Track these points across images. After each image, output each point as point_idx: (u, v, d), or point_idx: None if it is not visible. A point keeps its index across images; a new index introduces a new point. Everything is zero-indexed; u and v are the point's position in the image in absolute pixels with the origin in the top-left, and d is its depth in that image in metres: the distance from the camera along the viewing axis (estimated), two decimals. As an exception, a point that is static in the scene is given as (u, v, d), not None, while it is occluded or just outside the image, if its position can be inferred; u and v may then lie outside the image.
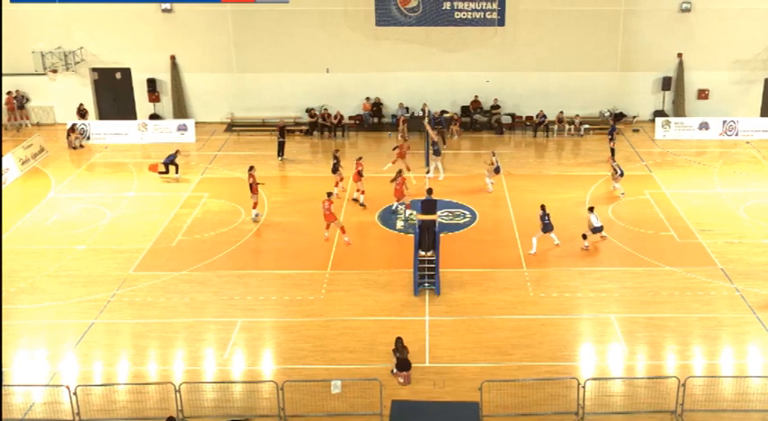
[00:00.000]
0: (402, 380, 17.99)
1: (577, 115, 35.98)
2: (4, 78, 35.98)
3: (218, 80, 37.02)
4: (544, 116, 35.81)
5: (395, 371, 18.15)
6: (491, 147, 34.07)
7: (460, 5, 35.15)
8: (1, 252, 23.09)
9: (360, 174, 27.83)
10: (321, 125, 36.09)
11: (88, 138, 35.44)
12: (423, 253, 22.04)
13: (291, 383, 17.24)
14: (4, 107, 36.51)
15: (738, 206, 27.32)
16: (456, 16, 35.35)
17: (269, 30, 36.22)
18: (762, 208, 27.15)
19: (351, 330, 20.14)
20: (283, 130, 32.89)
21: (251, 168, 26.95)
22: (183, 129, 35.06)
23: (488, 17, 35.27)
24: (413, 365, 18.15)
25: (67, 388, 16.98)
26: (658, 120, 35.36)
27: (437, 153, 30.11)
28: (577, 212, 26.69)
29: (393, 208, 27.15)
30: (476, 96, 36.90)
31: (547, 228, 23.90)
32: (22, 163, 31.82)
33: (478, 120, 36.79)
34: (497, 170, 29.26)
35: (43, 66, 35.59)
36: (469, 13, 35.31)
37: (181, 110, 37.40)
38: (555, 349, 19.26)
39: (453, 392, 17.68)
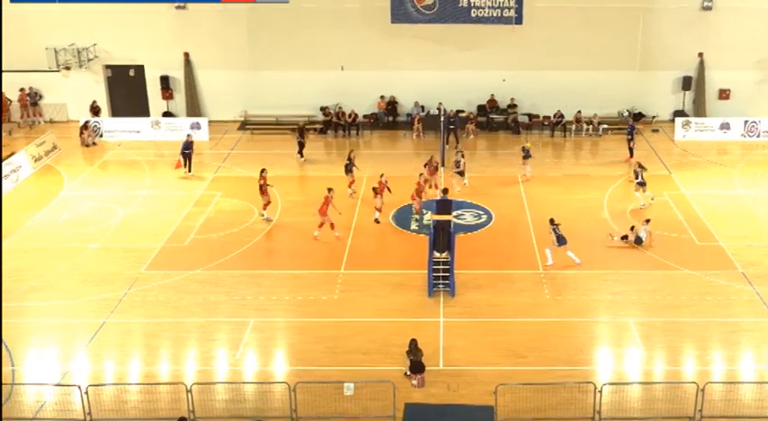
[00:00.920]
0: (416, 383, 17.98)
1: (595, 115, 35.83)
2: (17, 75, 36.26)
3: (232, 78, 37.11)
4: (562, 116, 35.68)
5: (408, 373, 18.15)
6: (507, 148, 34.13)
7: (477, 3, 35.05)
8: (1, 252, 23.18)
9: (377, 190, 26.66)
10: (335, 123, 36.13)
11: (101, 135, 35.63)
12: (437, 254, 22.02)
13: (304, 384, 17.27)
14: (16, 104, 36.72)
15: (760, 208, 27.13)
16: (473, 14, 35.26)
17: (283, 27, 36.27)
18: (784, 210, 27.00)
19: (364, 331, 20.15)
20: (303, 131, 33.01)
21: (263, 171, 27.02)
22: (196, 127, 35.15)
23: (505, 15, 35.16)
24: (427, 368, 18.12)
25: (79, 387, 17.08)
26: (678, 120, 35.16)
27: (461, 173, 29.18)
28: (595, 214, 26.64)
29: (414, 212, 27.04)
30: (492, 95, 36.82)
31: (560, 240, 23.43)
32: (35, 160, 32.04)
33: (495, 119, 36.70)
34: (527, 156, 29.61)
35: (56, 62, 35.77)
36: (486, 11, 35.22)
37: (194, 107, 37.53)
38: (571, 353, 19.19)
39: (467, 395, 17.65)
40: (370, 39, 36.21)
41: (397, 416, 16.71)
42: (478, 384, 17.95)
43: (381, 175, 27.00)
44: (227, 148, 34.42)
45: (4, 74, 36.12)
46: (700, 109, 36.58)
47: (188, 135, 32.13)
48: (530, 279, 22.69)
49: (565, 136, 35.67)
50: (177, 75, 37.37)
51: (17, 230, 26.26)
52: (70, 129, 36.40)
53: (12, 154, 31.49)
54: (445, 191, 25.08)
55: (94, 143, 35.05)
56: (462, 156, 29.40)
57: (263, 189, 26.60)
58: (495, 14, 35.21)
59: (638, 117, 36.19)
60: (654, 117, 36.78)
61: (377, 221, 26.27)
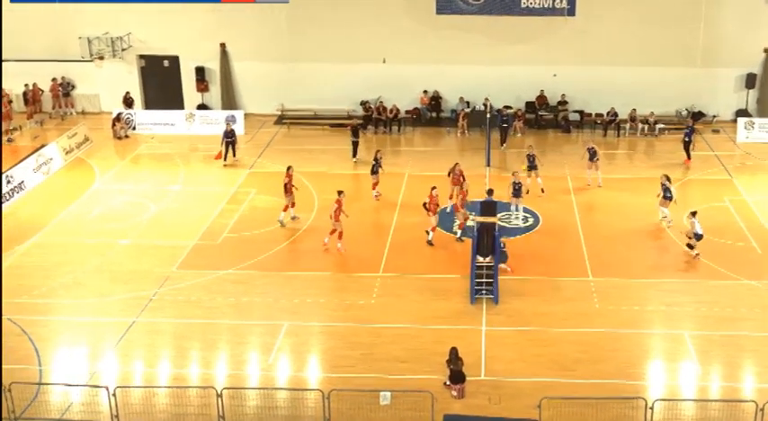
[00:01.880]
0: (455, 394, 17.93)
1: (652, 113, 35.37)
2: (50, 64, 36.94)
3: (270, 70, 37.31)
4: (615, 114, 35.29)
5: (448, 383, 18.10)
6: (557, 147, 33.85)
7: (528, -7, 34.92)
8: (0, 253, 23.80)
9: (428, 207, 25.11)
10: (376, 119, 36.16)
11: (134, 128, 36.11)
12: (481, 258, 21.92)
13: (338, 392, 17.29)
14: (48, 94, 37.35)
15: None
16: (522, 5, 35.02)
17: (323, 17, 36.40)
18: None
19: (402, 338, 20.13)
20: (357, 130, 32.69)
21: (289, 168, 26.78)
22: (231, 120, 35.40)
23: (557, 6, 34.88)
24: (467, 378, 18.06)
25: (106, 388, 17.31)
26: (741, 120, 34.57)
27: (517, 194, 26.93)
28: (649, 219, 26.26)
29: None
30: (541, 91, 36.56)
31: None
32: (66, 152, 32.58)
33: (544, 116, 36.44)
34: (593, 157, 28.96)
35: (90, 52, 36.29)
36: (537, 2, 34.96)
37: (230, 100, 37.85)
38: (621, 366, 18.98)
39: (510, 408, 17.54)
40: (414, 30, 36.15)
41: (436, 428, 16.71)
42: (522, 397, 17.83)
43: (433, 189, 25.11)
44: (263, 143, 34.66)
45: (36, 63, 36.96)
46: (764, 108, 35.91)
47: (227, 123, 32.52)
48: (578, 287, 22.48)
49: (618, 135, 35.28)
50: (213, 66, 37.71)
51: (47, 225, 26.72)
52: (102, 120, 36.95)
53: (43, 146, 32.09)
54: (490, 192, 24.94)
55: (127, 136, 35.54)
56: (532, 149, 29.13)
57: (287, 188, 26.25)
58: (546, 5, 34.95)
59: (697, 116, 35.65)
60: (714, 117, 36.21)
61: (430, 243, 24.95)
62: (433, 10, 35.43)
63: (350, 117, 36.47)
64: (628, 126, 35.36)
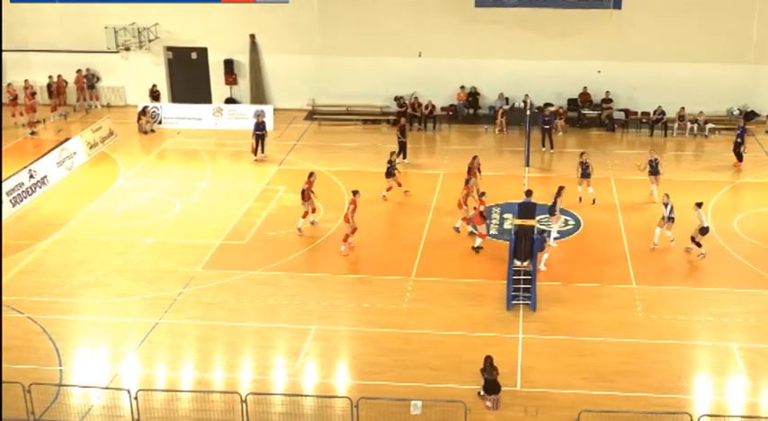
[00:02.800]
0: (490, 405, 17.87)
1: (701, 112, 34.98)
2: (74, 56, 37.40)
3: (301, 63, 37.42)
4: (663, 112, 34.95)
5: (482, 393, 18.04)
6: (600, 147, 33.56)
7: (571, -16, 34.70)
8: (0, 254, 24.08)
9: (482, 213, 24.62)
10: (411, 115, 36.13)
11: (160, 122, 36.44)
12: (518, 263, 21.83)
13: (367, 400, 17.29)
14: (72, 86, 37.78)
15: None
16: (566, -3, 34.90)
17: (357, 9, 36.47)
18: None
19: (434, 345, 20.10)
20: (404, 129, 32.02)
21: (311, 175, 26.18)
22: (261, 113, 35.51)
23: (603, -2, 34.70)
24: (502, 388, 17.98)
25: (128, 391, 17.47)
26: (797, 120, 34.19)
27: (552, 212, 25.47)
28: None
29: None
30: (585, 88, 36.31)
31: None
32: (90, 147, 32.97)
33: (587, 115, 36.19)
34: (654, 171, 28.02)
35: (116, 43, 36.65)
36: (581, -7, 34.81)
37: (259, 94, 38.02)
38: (665, 379, 18.79)
39: (547, 421, 17.49)
40: (452, 23, 36.07)
41: (469, 440, 16.67)
42: (559, 409, 17.73)
43: (482, 195, 24.72)
44: (293, 139, 34.79)
45: (61, 54, 37.42)
46: (822, 108, 35.48)
47: (258, 116, 32.69)
48: (621, 294, 22.30)
49: (665, 135, 34.95)
50: (242, 58, 37.92)
51: (70, 221, 27.06)
52: (128, 114, 37.33)
53: (67, 139, 32.48)
54: (528, 193, 24.81)
55: (152, 130, 35.88)
56: (587, 156, 28.29)
57: (305, 194, 25.82)
58: (590, -3, 34.76)
59: (749, 116, 35.20)
60: (768, 117, 35.83)
61: (479, 249, 24.56)
62: (471, 2, 35.25)
63: (383, 113, 36.51)
64: (676, 126, 34.99)
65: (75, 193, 29.39)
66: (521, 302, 21.66)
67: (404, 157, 31.69)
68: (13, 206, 27.57)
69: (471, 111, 37.06)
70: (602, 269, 23.70)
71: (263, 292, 22.61)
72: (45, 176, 29.61)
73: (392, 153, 29.17)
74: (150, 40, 37.37)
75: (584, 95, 36.35)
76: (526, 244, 21.90)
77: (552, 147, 32.78)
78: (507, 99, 36.41)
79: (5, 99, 35.83)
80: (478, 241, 24.75)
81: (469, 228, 25.42)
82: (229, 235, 25.99)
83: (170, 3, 36.93)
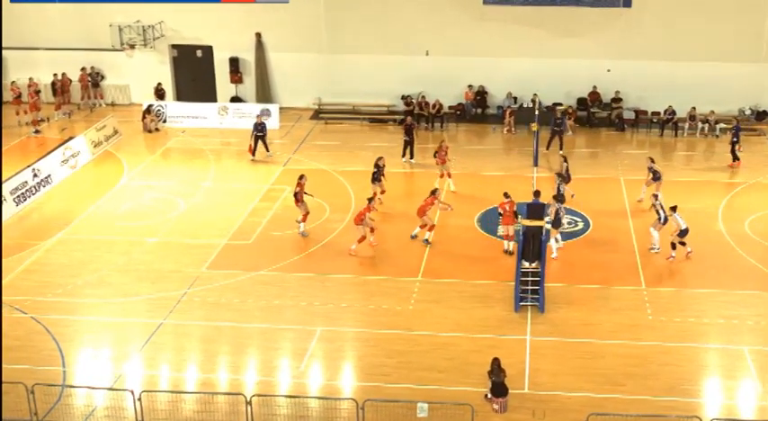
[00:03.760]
0: (497, 407, 17.86)
1: (712, 112, 34.90)
2: (79, 53, 37.51)
3: (307, 61, 37.46)
4: (673, 112, 34.89)
5: (489, 396, 18.03)
6: (610, 147, 33.53)
7: (581, -18, 34.64)
8: (0, 254, 24.15)
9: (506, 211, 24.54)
10: (418, 114, 36.10)
11: (164, 120, 36.50)
12: (526, 264, 21.81)
13: (373, 402, 17.30)
14: (77, 84, 37.86)
15: None
16: (575, -5, 34.83)
17: (363, 7, 36.47)
18: None
19: (441, 347, 20.10)
20: (411, 129, 31.86)
21: (301, 177, 26.08)
22: (266, 114, 35.59)
23: (612, -4, 34.65)
24: (510, 391, 17.98)
25: (132, 392, 17.51)
26: (809, 120, 34.09)
27: (557, 224, 24.82)
28: (708, 225, 25.95)
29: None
30: (594, 87, 36.26)
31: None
32: (95, 145, 33.04)
33: (596, 114, 36.14)
34: (656, 177, 27.46)
35: (120, 41, 36.72)
36: (591, -8, 34.76)
37: (265, 93, 38.06)
38: (674, 382, 18.76)
39: (555, 424, 17.48)
40: (460, 21, 36.06)
41: (475, 443, 16.67)
42: (567, 412, 17.72)
43: (506, 197, 24.66)
44: (299, 139, 34.82)
45: (65, 52, 37.51)
46: (835, 108, 35.37)
47: (257, 116, 32.78)
48: (630, 296, 22.27)
49: (676, 135, 34.87)
50: (248, 57, 37.95)
51: (73, 220, 27.12)
52: (132, 112, 37.42)
53: (70, 138, 32.58)
54: (537, 193, 24.79)
55: (157, 129, 35.94)
56: (566, 160, 28.37)
57: (298, 197, 25.75)
58: (600, -5, 34.72)
59: (761, 116, 35.10)
60: (781, 116, 35.72)
61: (509, 253, 24.42)
62: (480, 0, 35.30)
63: (390, 112, 36.51)
64: (686, 125, 34.92)
65: (79, 192, 29.46)
66: (529, 304, 21.64)
67: (411, 157, 31.71)
68: (17, 205, 27.66)
69: (479, 110, 37.02)
70: (612, 270, 23.66)
71: (268, 293, 22.64)
72: (49, 175, 29.69)
73: (379, 158, 28.62)
74: (155, 38, 37.41)
75: (594, 95, 36.30)
76: (535, 245, 21.87)
77: (561, 148, 32.72)
78: (516, 98, 36.37)
79: (9, 97, 35.95)
80: (510, 245, 24.51)
81: (425, 237, 25.25)
82: (234, 235, 26.02)
83: (175, 1, 37.02)
